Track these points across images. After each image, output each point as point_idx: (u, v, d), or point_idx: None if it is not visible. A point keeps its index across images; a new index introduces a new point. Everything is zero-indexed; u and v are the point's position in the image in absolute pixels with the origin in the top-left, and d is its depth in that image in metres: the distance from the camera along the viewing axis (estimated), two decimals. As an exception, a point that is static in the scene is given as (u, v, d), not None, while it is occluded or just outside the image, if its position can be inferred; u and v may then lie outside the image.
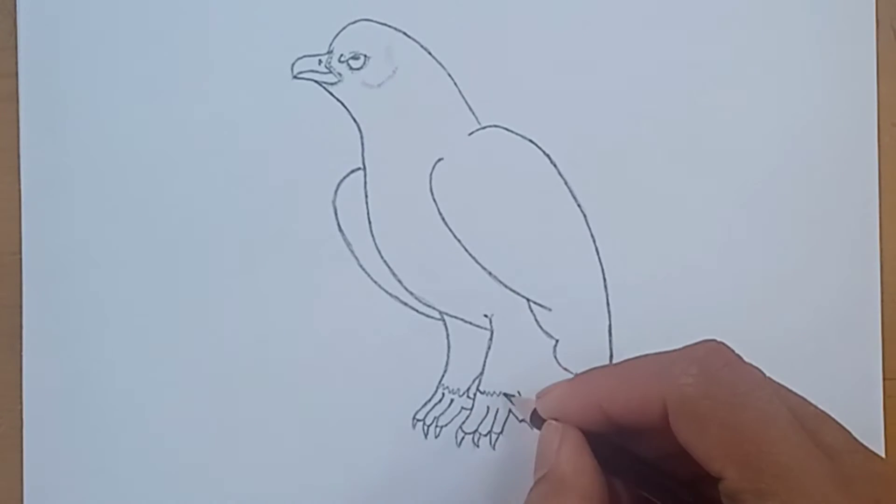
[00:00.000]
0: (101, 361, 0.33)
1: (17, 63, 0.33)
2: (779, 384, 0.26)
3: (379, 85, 0.33)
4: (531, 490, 0.27)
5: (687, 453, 0.25)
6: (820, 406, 0.26)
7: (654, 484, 0.27)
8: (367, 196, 0.33)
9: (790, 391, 0.26)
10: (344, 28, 0.34)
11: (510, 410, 0.33)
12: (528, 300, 0.33)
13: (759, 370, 0.26)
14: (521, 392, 0.33)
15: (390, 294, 0.33)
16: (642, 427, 0.26)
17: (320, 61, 0.33)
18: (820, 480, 0.22)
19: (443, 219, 0.33)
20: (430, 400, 0.33)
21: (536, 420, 0.29)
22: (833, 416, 0.25)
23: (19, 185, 0.33)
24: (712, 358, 0.25)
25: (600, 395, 0.27)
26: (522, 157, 0.34)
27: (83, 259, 0.33)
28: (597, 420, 0.27)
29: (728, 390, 0.24)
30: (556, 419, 0.28)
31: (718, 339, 0.26)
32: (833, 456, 0.23)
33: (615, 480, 0.28)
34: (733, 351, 0.26)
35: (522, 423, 0.33)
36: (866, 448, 0.24)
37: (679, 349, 0.26)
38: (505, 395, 0.33)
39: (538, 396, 0.30)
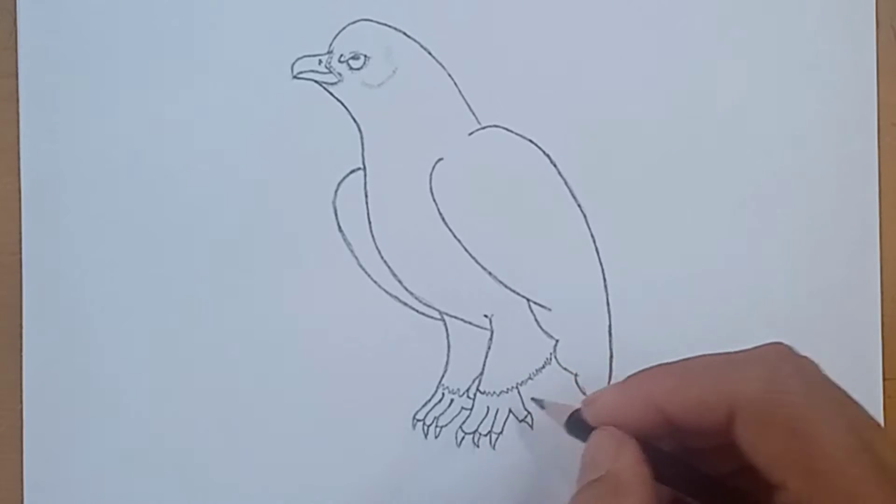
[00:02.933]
0: (101, 361, 0.33)
1: (17, 63, 0.33)
2: (837, 388, 0.25)
3: (379, 85, 0.33)
4: (581, 491, 0.26)
5: (738, 458, 0.24)
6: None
7: (704, 491, 0.26)
8: (367, 196, 0.33)
9: (848, 397, 0.25)
10: (344, 28, 0.34)
11: (510, 410, 0.33)
12: (528, 300, 0.33)
13: (825, 378, 0.25)
14: (522, 392, 0.33)
15: (390, 294, 0.33)
16: (702, 429, 0.25)
17: (320, 61, 0.33)
18: None
19: (443, 219, 0.33)
20: (430, 400, 0.33)
21: (575, 428, 0.28)
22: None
23: (19, 185, 0.33)
24: (782, 363, 0.25)
25: (660, 396, 0.26)
26: (522, 157, 0.34)
27: (83, 259, 0.33)
28: (653, 422, 0.26)
29: (797, 398, 0.24)
30: (608, 425, 0.27)
31: (785, 343, 0.26)
32: (890, 475, 0.23)
33: (660, 487, 0.27)
34: (800, 356, 0.25)
35: (522, 424, 0.33)
36: None
37: (746, 351, 0.26)
38: (533, 399, 0.33)
39: (585, 404, 0.28)
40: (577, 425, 0.28)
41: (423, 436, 0.33)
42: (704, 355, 0.27)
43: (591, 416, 0.28)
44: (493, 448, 0.33)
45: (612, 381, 0.33)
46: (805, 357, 0.25)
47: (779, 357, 0.25)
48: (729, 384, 0.25)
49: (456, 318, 0.33)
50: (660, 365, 0.27)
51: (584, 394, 0.33)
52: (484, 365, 0.33)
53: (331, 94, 0.33)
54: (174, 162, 0.33)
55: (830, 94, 0.35)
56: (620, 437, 0.26)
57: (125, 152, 0.33)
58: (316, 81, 0.33)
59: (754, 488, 0.24)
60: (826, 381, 0.25)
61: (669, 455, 0.27)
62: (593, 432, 0.27)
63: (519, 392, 0.33)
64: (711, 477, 0.26)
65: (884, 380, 0.34)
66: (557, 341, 0.33)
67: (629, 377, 0.28)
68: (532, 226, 0.34)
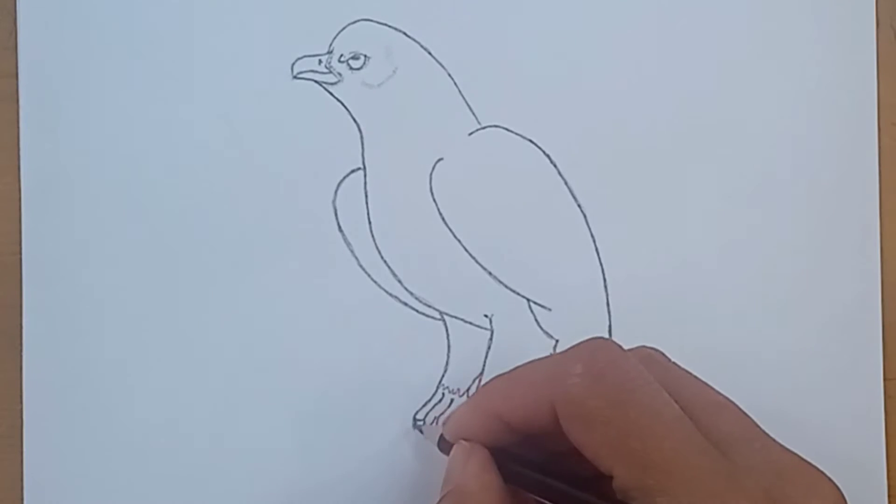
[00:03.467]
0: (101, 361, 0.33)
1: (17, 63, 0.33)
2: (678, 371, 0.26)
3: (379, 85, 0.33)
4: None
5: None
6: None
7: (560, 494, 0.27)
8: (367, 196, 0.33)
9: (692, 378, 0.26)
10: (344, 28, 0.34)
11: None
12: (528, 300, 0.33)
13: (656, 363, 0.26)
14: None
15: (390, 294, 0.33)
16: (539, 431, 0.26)
17: (320, 61, 0.33)
18: (706, 474, 0.22)
19: (443, 219, 0.33)
20: (430, 400, 0.33)
21: (444, 446, 0.29)
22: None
23: (19, 185, 0.33)
24: (597, 356, 0.25)
25: (497, 405, 0.27)
26: (522, 157, 0.34)
27: (83, 259, 0.33)
28: (500, 431, 0.27)
29: (613, 388, 0.24)
30: (464, 440, 0.28)
31: (605, 337, 0.26)
32: (727, 447, 0.23)
33: (524, 494, 0.28)
34: (620, 347, 0.26)
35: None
36: (766, 436, 0.24)
37: (567, 350, 0.26)
38: (414, 419, 0.33)
39: (443, 423, 0.30)
40: (445, 444, 0.29)
41: (423, 436, 0.33)
42: (534, 360, 0.28)
43: (447, 434, 0.29)
44: (493, 448, 0.33)
45: None
46: (623, 349, 0.26)
47: (595, 351, 0.25)
48: (549, 385, 0.25)
49: (456, 318, 0.33)
50: (499, 375, 0.28)
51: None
52: (484, 365, 0.33)
53: (331, 94, 0.33)
54: (174, 162, 0.33)
55: (830, 94, 0.35)
56: (467, 449, 0.27)
57: (125, 152, 0.33)
58: (316, 81, 0.33)
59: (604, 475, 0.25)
60: (655, 366, 0.26)
61: (530, 462, 0.28)
62: (452, 448, 0.28)
63: (423, 420, 0.33)
64: (568, 479, 0.27)
65: (884, 380, 0.34)
66: (557, 341, 0.33)
67: (478, 389, 0.29)
68: (532, 226, 0.34)
